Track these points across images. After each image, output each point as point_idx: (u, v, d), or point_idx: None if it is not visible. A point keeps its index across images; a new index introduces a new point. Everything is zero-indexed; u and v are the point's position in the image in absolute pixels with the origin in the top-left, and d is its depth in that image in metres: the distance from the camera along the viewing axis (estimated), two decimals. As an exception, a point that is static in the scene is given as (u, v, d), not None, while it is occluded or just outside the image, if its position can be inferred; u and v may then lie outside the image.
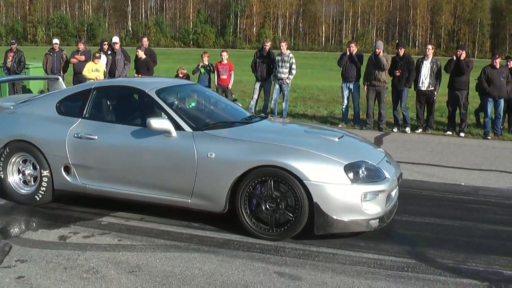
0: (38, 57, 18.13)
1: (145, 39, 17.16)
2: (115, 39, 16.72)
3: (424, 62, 14.24)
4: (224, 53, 16.15)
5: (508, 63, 14.35)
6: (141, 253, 5.59)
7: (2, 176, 7.18)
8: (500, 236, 6.46)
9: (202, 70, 16.00)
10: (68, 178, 6.88)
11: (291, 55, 15.69)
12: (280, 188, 5.86)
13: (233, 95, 16.23)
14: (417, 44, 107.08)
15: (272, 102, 15.89)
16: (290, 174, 5.76)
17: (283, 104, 15.91)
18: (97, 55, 15.30)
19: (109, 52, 16.17)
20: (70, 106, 7.18)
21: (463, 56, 13.85)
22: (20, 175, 7.21)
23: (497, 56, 14.28)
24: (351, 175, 5.79)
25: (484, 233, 6.53)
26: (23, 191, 7.19)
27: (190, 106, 7.53)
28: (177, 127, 6.35)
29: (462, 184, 8.99)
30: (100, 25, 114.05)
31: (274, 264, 5.36)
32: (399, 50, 14.57)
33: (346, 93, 15.18)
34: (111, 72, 15.87)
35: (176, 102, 7.14)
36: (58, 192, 7.03)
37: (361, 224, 5.86)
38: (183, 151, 6.22)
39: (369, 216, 5.83)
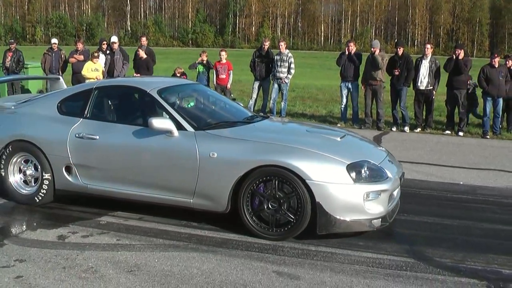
0: (37, 57, 18.13)
1: (144, 39, 17.17)
2: (114, 38, 16.74)
3: (423, 61, 14.25)
4: (223, 53, 16.17)
5: (507, 62, 14.35)
6: (140, 252, 5.59)
7: (3, 175, 7.18)
8: (498, 235, 6.47)
9: (201, 68, 16.01)
10: (69, 178, 6.87)
11: (290, 54, 15.71)
12: (284, 188, 5.85)
13: (232, 95, 16.24)
14: (416, 44, 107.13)
15: (271, 101, 15.91)
16: (293, 173, 5.76)
17: (282, 103, 15.92)
18: (96, 54, 15.29)
19: (107, 52, 16.17)
20: (71, 106, 7.17)
21: (461, 55, 13.86)
22: (21, 174, 7.20)
23: (496, 55, 14.29)
24: (353, 174, 5.79)
25: (482, 232, 6.54)
26: (23, 191, 7.18)
27: (189, 105, 7.52)
28: (179, 126, 6.34)
29: (461, 183, 8.99)
30: (99, 24, 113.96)
31: (272, 264, 5.36)
32: (398, 49, 14.58)
33: (345, 92, 15.18)
34: (109, 71, 15.88)
35: (177, 102, 7.13)
36: (60, 192, 7.02)
37: (363, 223, 5.86)
38: (185, 151, 6.21)
39: (371, 216, 5.84)
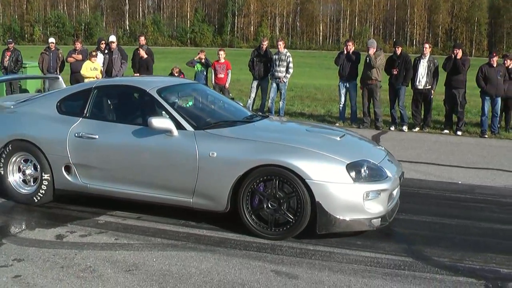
0: (35, 56, 18.11)
1: (142, 38, 17.17)
2: (112, 38, 16.74)
3: (421, 60, 14.27)
4: (221, 52, 16.17)
5: (505, 61, 14.34)
6: (138, 252, 5.59)
7: (2, 174, 7.17)
8: (496, 234, 6.47)
9: (199, 67, 16.01)
10: (69, 177, 6.86)
11: (288, 53, 15.70)
12: (284, 188, 5.85)
13: (230, 94, 16.24)
14: (414, 43, 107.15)
15: (270, 101, 15.90)
16: (292, 173, 5.76)
17: (281, 102, 15.91)
18: (94, 53, 15.29)
19: (106, 51, 16.17)
20: (70, 106, 7.17)
21: (460, 55, 13.86)
22: (21, 174, 7.20)
23: (494, 54, 14.30)
24: (353, 174, 5.79)
25: (481, 231, 6.54)
26: (22, 190, 7.17)
27: (188, 105, 7.52)
28: (179, 126, 6.34)
29: (459, 182, 9.00)
30: (97, 24, 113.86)
31: (271, 263, 5.37)
32: (396, 48, 14.61)
33: (343, 91, 15.17)
34: (108, 71, 15.88)
35: (177, 101, 7.13)
36: (59, 192, 7.02)
37: (363, 223, 5.86)
38: (184, 150, 6.21)
39: (371, 215, 5.84)
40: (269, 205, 5.90)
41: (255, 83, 16.04)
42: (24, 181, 7.20)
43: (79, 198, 7.14)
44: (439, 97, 15.85)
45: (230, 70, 16.03)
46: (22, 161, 7.16)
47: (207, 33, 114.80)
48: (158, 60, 18.68)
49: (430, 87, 14.20)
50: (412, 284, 4.98)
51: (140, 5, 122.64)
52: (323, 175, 5.73)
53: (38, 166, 7.00)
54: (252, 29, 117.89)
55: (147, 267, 5.19)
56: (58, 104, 7.16)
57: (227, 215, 6.18)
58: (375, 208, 5.85)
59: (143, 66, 15.95)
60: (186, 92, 7.84)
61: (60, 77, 9.15)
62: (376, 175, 5.96)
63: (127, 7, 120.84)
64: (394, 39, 76.54)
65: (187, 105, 7.50)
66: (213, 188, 6.10)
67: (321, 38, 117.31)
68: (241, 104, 8.23)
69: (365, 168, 5.91)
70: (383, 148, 7.17)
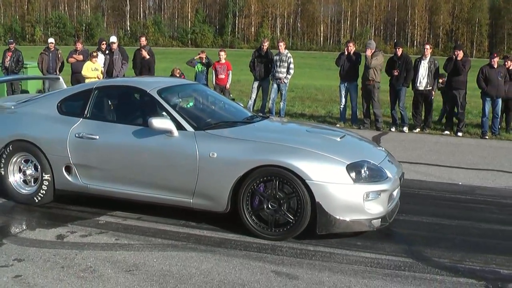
0: (36, 57, 18.09)
1: (143, 39, 17.18)
2: (113, 38, 16.76)
3: (422, 61, 14.27)
4: (222, 53, 16.17)
5: (506, 62, 14.35)
6: (138, 252, 5.59)
7: (3, 174, 7.18)
8: (497, 235, 6.47)
9: (199, 67, 16.00)
10: (69, 178, 6.87)
11: (289, 54, 15.70)
12: (284, 189, 5.85)
13: (231, 95, 16.25)
14: (415, 44, 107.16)
15: (270, 101, 15.90)
16: (292, 173, 5.76)
17: (281, 103, 15.91)
18: (95, 54, 15.30)
19: (107, 52, 16.18)
20: (71, 106, 7.17)
21: (460, 56, 13.86)
22: (21, 174, 7.20)
23: (495, 55, 14.30)
24: (353, 174, 5.79)
25: (481, 232, 6.54)
26: (23, 191, 7.18)
27: (189, 105, 7.52)
28: (179, 126, 6.34)
29: (460, 183, 9.00)
30: (98, 24, 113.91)
31: (271, 263, 5.37)
32: (397, 49, 14.60)
33: (344, 92, 15.18)
34: (108, 71, 15.89)
35: (177, 102, 7.13)
36: (59, 192, 7.02)
37: (363, 223, 5.86)
38: (184, 151, 6.21)
39: (371, 216, 5.84)
40: (269, 206, 5.90)
41: (256, 84, 16.04)
42: (24, 181, 7.20)
43: (79, 199, 7.15)
44: (439, 98, 15.84)
45: (231, 71, 16.03)
46: (22, 161, 7.17)
47: (208, 33, 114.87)
48: (158, 61, 18.68)
49: (430, 88, 14.20)
50: (412, 285, 4.97)
51: (141, 5, 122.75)
52: (323, 175, 5.73)
53: (39, 167, 7.01)
54: (253, 30, 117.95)
55: (147, 268, 5.20)
56: (59, 104, 7.16)
57: (227, 215, 6.18)
58: (375, 209, 5.85)
59: (145, 67, 15.96)
60: (186, 92, 7.84)
61: (60, 77, 9.15)
62: (376, 175, 5.96)
63: (128, 8, 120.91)
64: (395, 40, 76.38)
65: (188, 105, 7.50)
66: (213, 188, 6.10)
67: (321, 39, 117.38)
68: (242, 105, 8.24)
69: (365, 168, 5.91)
70: (383, 148, 7.17)
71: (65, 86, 8.73)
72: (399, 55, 14.46)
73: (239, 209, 6.01)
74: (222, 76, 15.80)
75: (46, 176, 6.95)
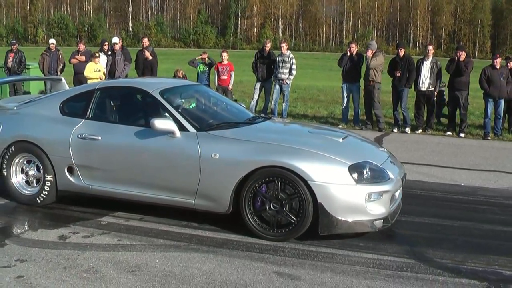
0: (38, 58, 18.12)
1: (145, 40, 17.19)
2: (115, 39, 16.76)
3: (424, 62, 14.26)
4: (224, 54, 16.17)
5: (508, 63, 14.32)
6: (141, 253, 5.59)
7: (6, 175, 7.19)
8: (499, 236, 6.47)
9: (201, 67, 16.00)
10: (71, 178, 6.87)
11: (291, 55, 15.69)
12: (286, 190, 5.85)
13: (233, 96, 16.25)
14: (417, 45, 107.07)
15: (273, 102, 15.91)
16: (295, 174, 5.75)
17: (283, 104, 15.92)
18: (97, 54, 15.31)
19: (109, 53, 16.19)
20: (73, 107, 7.17)
21: (463, 57, 13.85)
22: (23, 175, 7.21)
23: (497, 56, 14.29)
24: (355, 175, 5.79)
25: (483, 233, 6.54)
26: (25, 192, 7.18)
27: (191, 106, 7.52)
28: (181, 127, 6.34)
29: (462, 184, 9.00)
30: (100, 25, 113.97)
31: (273, 264, 5.37)
32: (399, 50, 14.59)
33: (346, 93, 15.18)
34: (111, 72, 15.90)
35: (179, 103, 7.14)
36: (62, 193, 7.03)
37: (365, 224, 5.86)
38: (187, 152, 6.22)
39: (373, 217, 5.83)
40: (271, 207, 5.90)
41: (258, 85, 16.04)
42: (27, 182, 7.21)
43: (81, 199, 7.15)
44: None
45: (233, 72, 16.04)
46: (25, 162, 7.18)
47: (210, 34, 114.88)
48: (161, 62, 18.66)
49: (433, 89, 14.20)
50: (415, 285, 4.97)
51: (144, 6, 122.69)
52: (325, 176, 5.73)
53: (41, 167, 7.01)
54: (255, 30, 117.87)
55: (149, 268, 5.20)
56: (61, 105, 7.17)
57: (229, 216, 6.18)
58: (377, 210, 5.85)
59: (147, 68, 15.96)
60: (188, 93, 7.84)
61: (63, 78, 9.15)
62: (378, 176, 5.96)
63: (131, 9, 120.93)
64: (397, 41, 76.53)
65: (190, 106, 7.51)
66: (216, 189, 6.11)
67: (324, 39, 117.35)
68: (244, 106, 8.24)
69: (367, 169, 5.91)
70: (385, 149, 7.17)
71: (67, 87, 8.73)
72: (401, 56, 14.44)
73: (241, 210, 6.01)
74: (225, 77, 15.80)
75: (49, 177, 6.95)
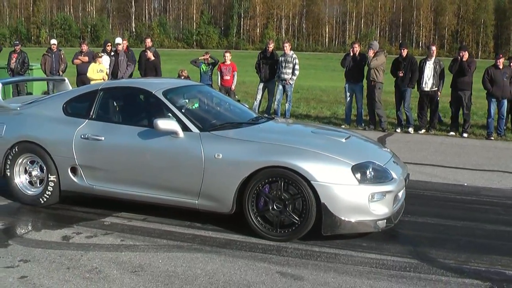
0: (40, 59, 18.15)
1: (148, 40, 17.20)
2: (118, 40, 16.79)
3: (427, 62, 14.25)
4: (227, 54, 16.19)
5: (511, 63, 14.31)
6: (144, 253, 5.60)
7: (9, 176, 7.20)
8: (502, 236, 6.46)
9: (204, 67, 16.01)
10: (74, 179, 6.88)
11: (294, 55, 15.69)
12: (289, 190, 5.85)
13: (236, 96, 16.26)
14: (420, 45, 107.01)
15: (276, 102, 15.91)
16: (298, 174, 5.75)
17: (286, 104, 15.92)
18: (99, 55, 15.33)
19: (112, 53, 16.21)
20: (76, 107, 7.18)
21: (466, 57, 13.84)
22: (27, 175, 7.22)
23: (500, 56, 14.28)
24: (358, 175, 5.78)
25: (486, 233, 6.53)
26: (29, 192, 7.20)
27: (194, 107, 7.53)
28: (184, 128, 6.34)
29: (465, 184, 8.99)
30: (103, 26, 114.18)
31: (276, 264, 5.37)
32: (402, 50, 14.57)
33: (349, 93, 15.17)
34: (114, 73, 15.92)
35: (183, 103, 7.14)
36: (65, 193, 7.04)
37: (368, 224, 5.86)
38: (190, 152, 6.22)
39: (376, 217, 5.83)
40: (275, 207, 5.90)
41: (261, 85, 16.05)
42: (30, 182, 7.22)
43: (85, 200, 7.16)
44: (445, 99, 15.82)
45: (236, 72, 16.05)
46: (28, 162, 7.19)
47: (213, 35, 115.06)
48: (164, 62, 18.69)
49: (436, 89, 14.19)
50: (418, 286, 4.97)
51: (146, 7, 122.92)
52: (329, 176, 5.73)
53: (44, 168, 7.03)
54: (258, 31, 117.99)
55: (152, 268, 5.21)
56: (64, 106, 7.18)
57: (232, 216, 6.18)
58: (381, 210, 5.84)
59: (150, 68, 15.98)
60: (191, 94, 7.84)
61: (66, 79, 9.17)
62: (381, 176, 5.95)
63: (133, 9, 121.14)
64: (400, 41, 76.49)
65: (193, 107, 7.51)
66: (219, 189, 6.11)
67: (327, 40, 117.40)
68: (247, 106, 8.24)
69: (371, 169, 5.90)
70: (388, 150, 7.16)
71: (70, 88, 8.75)
72: (404, 56, 14.43)
73: (244, 210, 6.02)
74: (228, 77, 15.82)
75: (52, 177, 6.96)
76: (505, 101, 13.92)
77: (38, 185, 7.17)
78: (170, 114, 6.56)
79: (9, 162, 7.16)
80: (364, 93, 15.22)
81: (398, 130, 14.57)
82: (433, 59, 14.26)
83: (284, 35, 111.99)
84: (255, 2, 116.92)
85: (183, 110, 6.67)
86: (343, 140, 6.61)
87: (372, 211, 5.78)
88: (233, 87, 15.92)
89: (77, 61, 16.41)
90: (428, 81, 14.13)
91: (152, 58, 15.97)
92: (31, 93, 17.08)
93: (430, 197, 8.15)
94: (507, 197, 8.23)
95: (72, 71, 17.27)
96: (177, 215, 6.62)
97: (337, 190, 5.70)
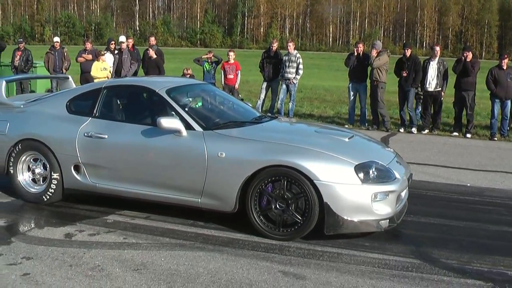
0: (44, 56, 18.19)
1: (152, 39, 17.21)
2: (122, 38, 16.80)
3: (431, 62, 14.24)
4: (231, 53, 16.17)
5: (515, 64, 14.30)
6: (146, 251, 5.60)
7: (12, 173, 7.21)
8: (505, 236, 6.46)
9: (207, 66, 16.00)
10: (78, 177, 6.88)
11: (298, 55, 15.68)
12: (292, 189, 5.85)
13: (239, 95, 16.25)
14: (424, 45, 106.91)
15: (279, 102, 15.90)
16: (301, 174, 5.75)
17: (290, 104, 15.91)
18: (102, 53, 15.35)
19: (115, 52, 16.23)
20: (80, 105, 7.18)
21: (469, 57, 13.82)
22: (30, 173, 7.23)
23: (505, 56, 14.25)
24: (361, 175, 5.78)
25: (489, 233, 6.52)
26: (32, 189, 7.20)
27: (197, 105, 7.53)
28: (188, 126, 6.35)
29: (468, 185, 8.98)
30: (107, 24, 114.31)
31: (278, 263, 5.37)
32: (406, 50, 14.56)
33: (352, 93, 15.17)
34: (117, 71, 15.94)
35: (186, 102, 7.14)
36: (68, 191, 7.05)
37: (371, 224, 5.85)
38: (193, 151, 6.22)
39: (379, 217, 5.82)
40: (277, 206, 5.90)
41: (265, 84, 16.05)
42: (33, 180, 7.23)
43: (88, 198, 7.17)
44: (448, 99, 15.81)
45: (239, 71, 16.04)
46: (31, 160, 7.20)
47: (217, 34, 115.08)
48: (167, 61, 18.68)
49: (440, 89, 14.18)
50: (420, 286, 4.97)
51: (150, 5, 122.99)
52: (331, 176, 5.73)
53: (48, 165, 7.03)
54: (262, 30, 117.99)
55: (155, 267, 5.21)
56: (68, 103, 7.18)
57: (235, 215, 6.19)
58: (383, 210, 5.84)
59: (152, 67, 15.98)
60: (195, 92, 7.84)
61: (69, 77, 9.17)
62: (384, 176, 5.95)
63: (137, 8, 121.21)
64: (404, 41, 76.61)
65: (196, 105, 7.51)
66: (222, 188, 6.11)
67: (330, 39, 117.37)
68: (250, 105, 8.24)
69: (374, 169, 5.90)
70: (391, 149, 7.16)
71: (74, 86, 8.76)
72: (408, 56, 14.42)
73: (247, 209, 6.02)
74: (231, 76, 15.81)
75: (55, 175, 6.97)
76: (509, 102, 13.89)
77: (41, 182, 7.18)
78: (173, 113, 6.56)
79: (12, 160, 7.17)
80: (367, 93, 15.21)
81: (402, 130, 14.56)
82: (437, 59, 14.25)
83: (288, 34, 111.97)
84: (259, 1, 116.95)
85: (186, 109, 6.67)
86: (346, 139, 6.61)
87: (375, 211, 5.78)
88: (236, 86, 15.91)
89: (81, 59, 16.44)
90: (432, 82, 14.12)
91: (154, 56, 15.96)
92: (34, 91, 17.10)
93: (433, 197, 8.14)
94: (510, 198, 8.22)
95: (76, 69, 17.29)
96: (180, 213, 6.62)
97: (340, 190, 5.70)
